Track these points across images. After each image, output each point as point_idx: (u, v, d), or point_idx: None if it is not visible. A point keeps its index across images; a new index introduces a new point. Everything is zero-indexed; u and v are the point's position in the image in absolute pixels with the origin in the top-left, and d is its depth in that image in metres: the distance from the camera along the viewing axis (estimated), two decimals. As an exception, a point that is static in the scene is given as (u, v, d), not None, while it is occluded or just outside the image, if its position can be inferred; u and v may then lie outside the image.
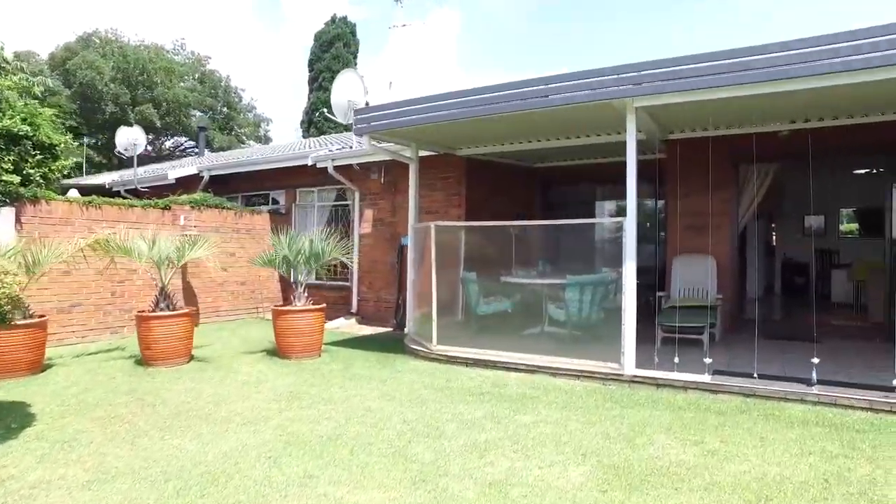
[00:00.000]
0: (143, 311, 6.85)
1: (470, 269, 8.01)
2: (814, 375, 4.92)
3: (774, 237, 13.17)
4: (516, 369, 6.09)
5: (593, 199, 11.08)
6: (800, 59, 4.63)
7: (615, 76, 5.35)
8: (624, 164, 5.69)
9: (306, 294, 7.31)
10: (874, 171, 11.11)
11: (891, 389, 4.67)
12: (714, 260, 7.68)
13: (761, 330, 7.65)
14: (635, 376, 5.44)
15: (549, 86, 5.68)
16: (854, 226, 13.66)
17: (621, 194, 5.92)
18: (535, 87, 5.76)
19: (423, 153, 9.01)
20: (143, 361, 6.69)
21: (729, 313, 7.92)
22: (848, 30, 4.53)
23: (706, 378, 5.21)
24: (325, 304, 7.45)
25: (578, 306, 6.66)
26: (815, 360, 4.93)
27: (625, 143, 5.73)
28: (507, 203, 10.11)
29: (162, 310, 6.79)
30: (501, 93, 5.97)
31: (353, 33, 29.08)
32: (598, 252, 9.45)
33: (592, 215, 10.76)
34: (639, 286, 8.57)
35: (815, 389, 4.81)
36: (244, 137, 30.86)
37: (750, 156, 6.73)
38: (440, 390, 5.53)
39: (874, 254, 9.60)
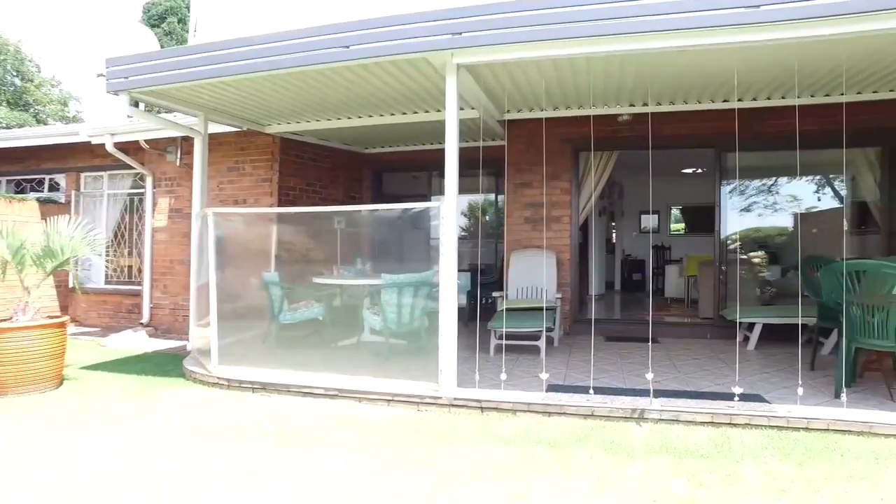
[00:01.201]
0: None
1: (275, 270, 6.55)
2: (650, 388, 4.26)
3: (614, 234, 13.26)
4: (314, 395, 4.75)
5: (434, 192, 10.11)
6: (614, 13, 3.89)
7: (431, 23, 4.26)
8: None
9: (37, 305, 5.36)
10: (700, 170, 11.43)
11: (729, 397, 4.16)
12: (554, 255, 7.00)
13: (602, 331, 7.15)
14: (456, 399, 4.38)
15: (352, 33, 4.44)
16: (681, 225, 14.23)
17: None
18: (333, 35, 4.49)
19: (227, 129, 7.40)
20: None
21: (569, 314, 7.31)
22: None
23: (539, 398, 4.30)
24: (67, 318, 5.57)
25: (397, 312, 5.50)
26: (650, 376, 4.29)
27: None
28: (333, 193, 8.74)
29: None
30: (292, 41, 4.60)
31: (189, 7, 25.89)
32: (432, 248, 8.47)
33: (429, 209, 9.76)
34: (480, 286, 7.86)
35: (657, 405, 4.11)
36: (45, 116, 25.79)
37: (589, 143, 6.09)
38: (203, 431, 4.04)
39: (702, 250, 9.75)
